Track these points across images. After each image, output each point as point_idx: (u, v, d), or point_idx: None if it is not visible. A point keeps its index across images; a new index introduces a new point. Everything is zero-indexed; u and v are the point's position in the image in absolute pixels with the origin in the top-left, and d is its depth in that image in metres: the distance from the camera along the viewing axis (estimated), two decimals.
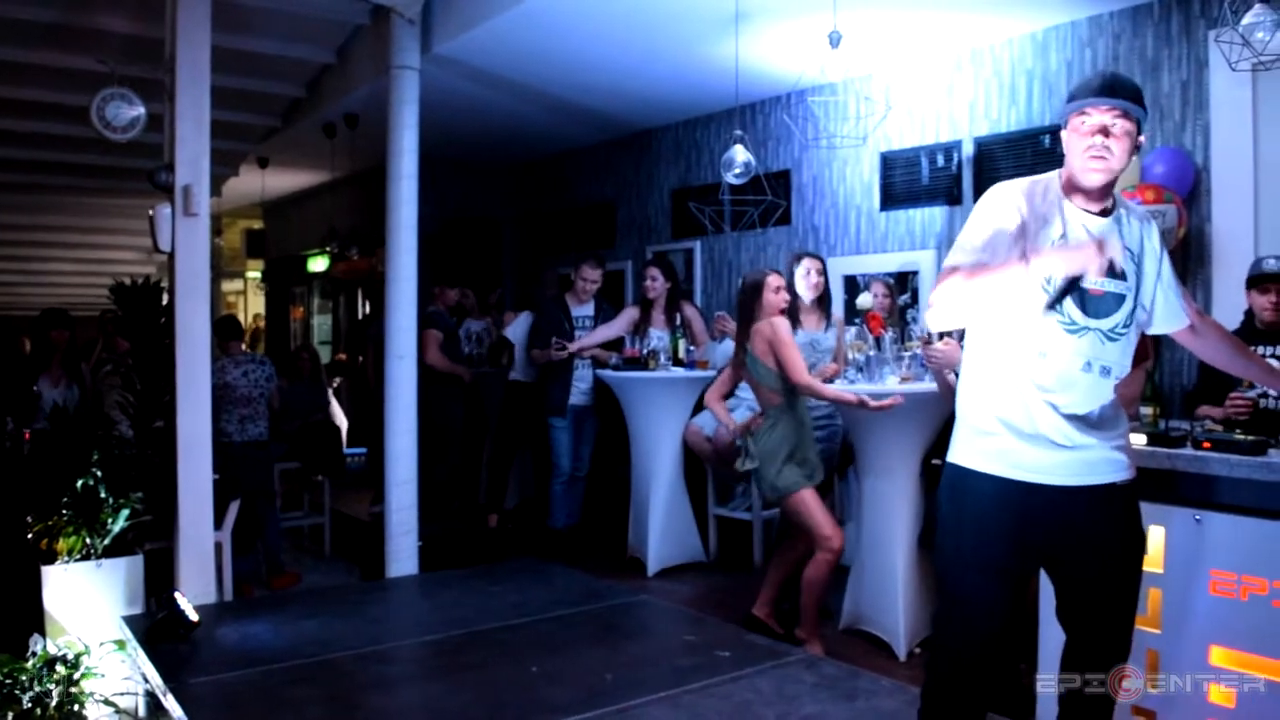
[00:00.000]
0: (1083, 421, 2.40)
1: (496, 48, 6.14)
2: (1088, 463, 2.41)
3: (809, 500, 4.44)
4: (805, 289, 5.21)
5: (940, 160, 6.20)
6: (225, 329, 6.28)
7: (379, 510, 5.80)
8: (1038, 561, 2.56)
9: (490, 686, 3.37)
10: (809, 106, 5.60)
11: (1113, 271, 2.34)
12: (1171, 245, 4.82)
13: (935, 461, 4.70)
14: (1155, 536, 3.11)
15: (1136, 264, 2.43)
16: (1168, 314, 2.51)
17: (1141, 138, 2.37)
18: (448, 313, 7.19)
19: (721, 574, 6.19)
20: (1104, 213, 2.42)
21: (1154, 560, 3.11)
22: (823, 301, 5.33)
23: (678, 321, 6.40)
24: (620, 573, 6.05)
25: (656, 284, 6.42)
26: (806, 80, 5.20)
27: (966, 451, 2.52)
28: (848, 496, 5.74)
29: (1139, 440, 3.17)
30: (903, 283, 6.33)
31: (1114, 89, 2.32)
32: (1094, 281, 2.33)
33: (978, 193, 5.96)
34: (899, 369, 4.64)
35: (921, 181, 6.31)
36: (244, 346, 6.42)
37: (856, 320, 5.26)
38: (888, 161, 6.54)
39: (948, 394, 4.15)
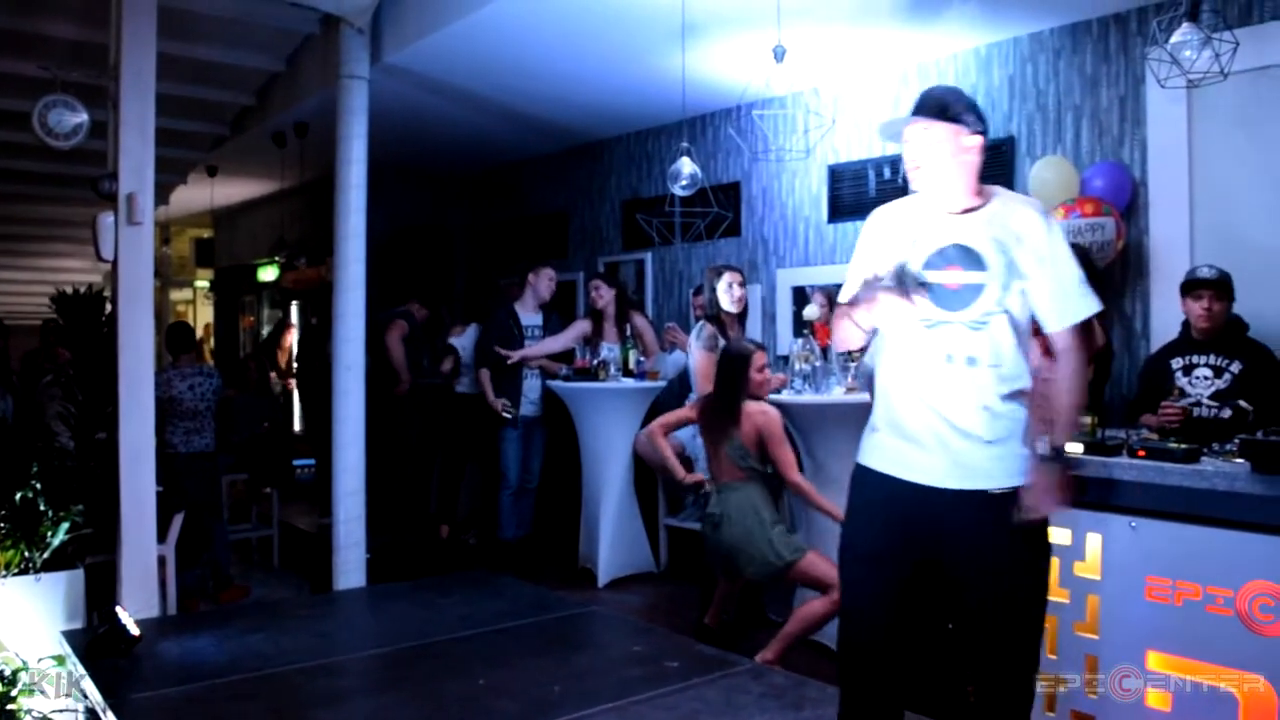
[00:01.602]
0: (957, 422, 2.41)
1: (447, 57, 6.13)
2: (960, 465, 2.41)
3: (816, 559, 4.25)
4: (728, 302, 5.29)
5: (887, 173, 6.28)
6: (177, 340, 6.17)
7: (327, 522, 5.75)
8: (918, 555, 2.51)
9: (437, 699, 3.36)
10: (755, 120, 5.65)
11: (974, 263, 2.41)
12: (1110, 257, 4.93)
13: None
14: (1093, 544, 3.18)
15: (1005, 254, 2.42)
16: (1043, 310, 2.45)
17: (969, 139, 2.44)
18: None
19: (672, 584, 6.21)
20: (967, 211, 2.47)
21: (1091, 567, 3.18)
22: (744, 316, 5.41)
23: (628, 332, 6.43)
24: (571, 583, 6.05)
25: (603, 295, 6.45)
26: (753, 93, 5.24)
27: (863, 449, 2.62)
28: (797, 504, 5.78)
29: (1075, 449, 3.23)
30: None
31: (917, 107, 2.49)
32: (920, 276, 2.44)
33: None
34: (844, 379, 4.69)
35: (869, 194, 6.39)
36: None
37: (805, 331, 5.31)
38: (836, 174, 6.61)
39: None
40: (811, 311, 5.65)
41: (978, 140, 2.46)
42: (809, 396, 4.69)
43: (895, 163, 6.22)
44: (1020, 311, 2.43)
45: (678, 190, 5.51)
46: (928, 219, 2.51)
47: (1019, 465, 2.41)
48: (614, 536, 6.22)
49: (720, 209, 6.68)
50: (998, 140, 5.72)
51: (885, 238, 2.56)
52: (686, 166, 5.38)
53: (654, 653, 3.87)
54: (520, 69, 6.39)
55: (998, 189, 2.54)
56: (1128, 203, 5.10)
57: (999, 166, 5.70)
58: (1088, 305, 2.45)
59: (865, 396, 4.55)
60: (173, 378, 5.89)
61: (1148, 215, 5.11)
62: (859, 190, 6.47)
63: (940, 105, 2.46)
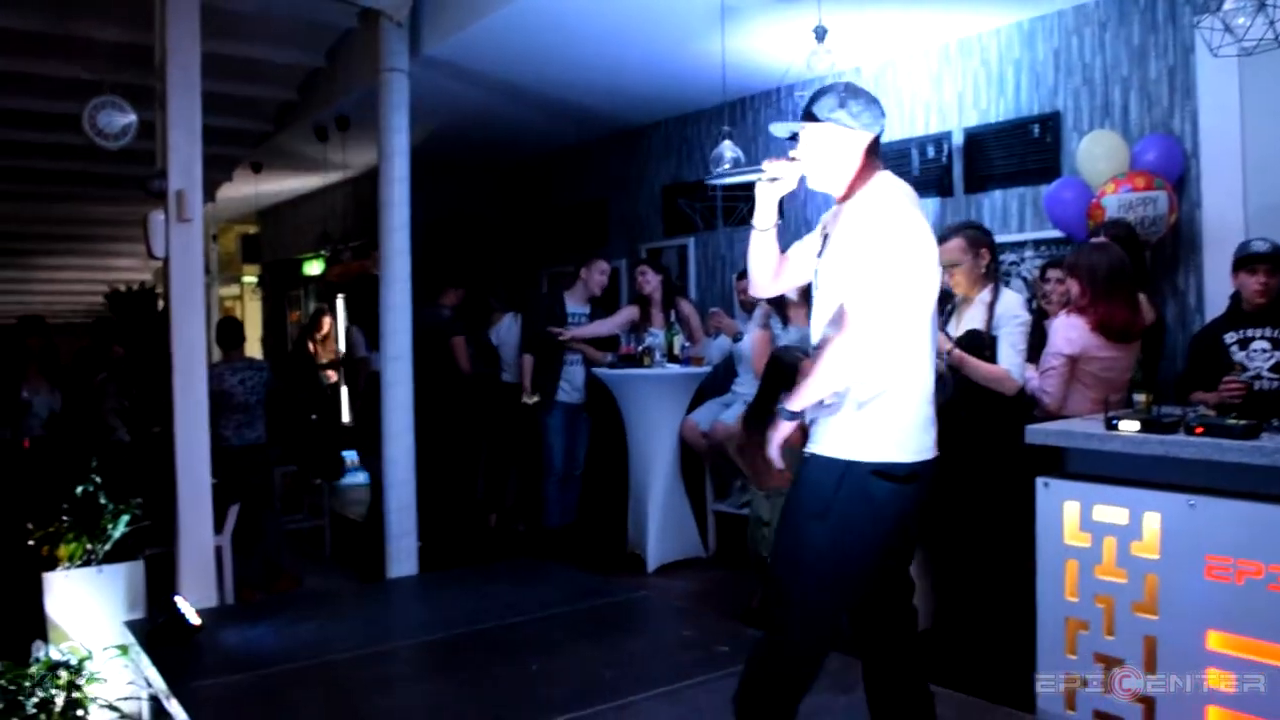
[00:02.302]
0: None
1: (485, 48, 6.14)
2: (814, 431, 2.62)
3: None
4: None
5: (930, 152, 6.21)
6: (227, 334, 6.27)
7: (363, 511, 5.79)
8: None
9: (489, 685, 3.39)
10: (796, 101, 5.61)
11: (821, 252, 2.65)
12: (1162, 232, 4.84)
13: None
14: (1151, 523, 3.13)
15: (832, 247, 2.60)
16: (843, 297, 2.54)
17: (837, 132, 2.56)
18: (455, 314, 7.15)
19: (721, 569, 6.20)
20: (840, 201, 2.66)
21: (1149, 546, 3.13)
22: (808, 295, 5.34)
23: (673, 318, 6.42)
24: (620, 570, 6.06)
25: (649, 280, 6.44)
26: (794, 75, 5.20)
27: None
28: None
29: (1131, 426, 3.18)
30: None
31: (802, 113, 2.63)
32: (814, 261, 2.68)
33: (968, 184, 6.01)
34: None
35: (912, 173, 6.32)
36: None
37: None
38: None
39: (941, 381, 4.16)
40: None
41: (849, 133, 2.57)
42: None
43: (939, 141, 6.16)
44: (834, 297, 2.57)
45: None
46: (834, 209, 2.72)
47: (835, 433, 2.54)
48: (662, 522, 6.22)
49: None
50: (1044, 115, 5.63)
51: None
52: (728, 151, 5.36)
53: (704, 637, 3.89)
54: (558, 58, 6.39)
55: (880, 184, 2.60)
56: (1179, 176, 5.00)
57: (1045, 142, 5.61)
58: (862, 295, 2.46)
59: None
60: (224, 372, 5.98)
61: (1199, 188, 5.01)
62: (902, 170, 6.38)
63: (813, 104, 2.60)
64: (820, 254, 2.66)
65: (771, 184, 2.67)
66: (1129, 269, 3.94)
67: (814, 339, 2.64)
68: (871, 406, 2.50)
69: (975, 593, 3.91)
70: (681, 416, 6.27)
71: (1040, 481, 3.36)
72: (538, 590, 4.62)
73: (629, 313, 6.51)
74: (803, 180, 2.68)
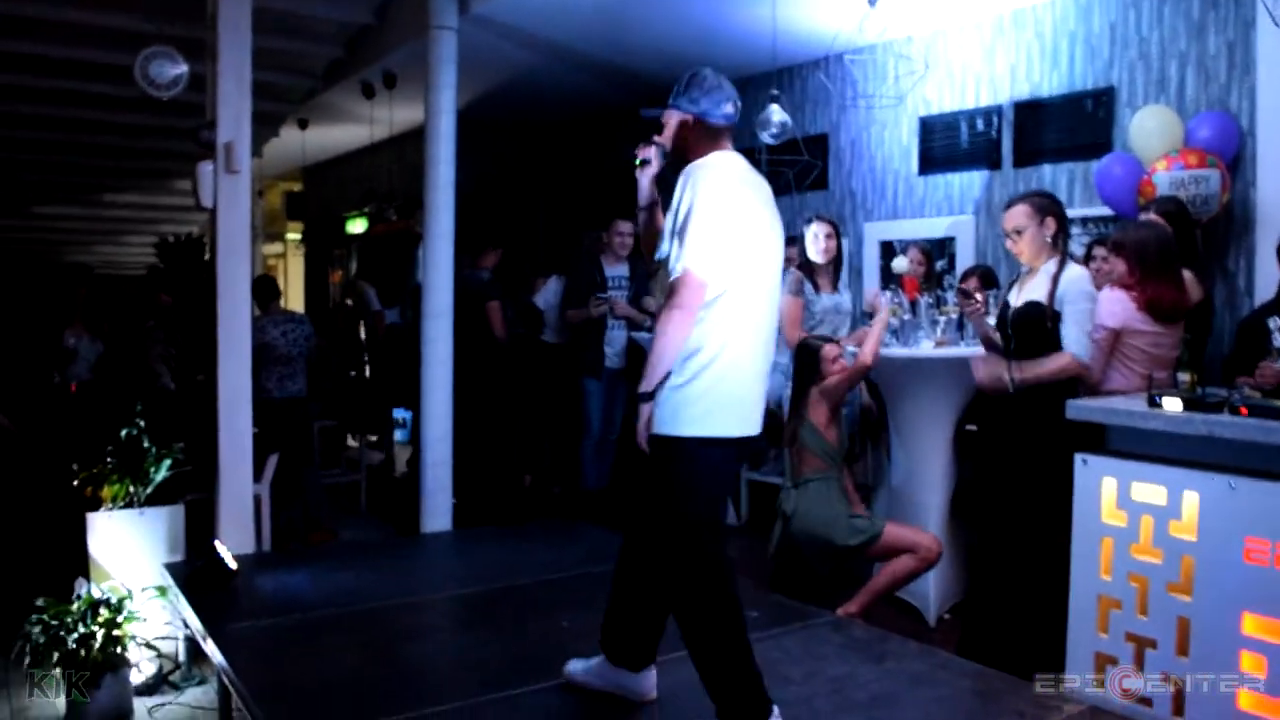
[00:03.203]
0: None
1: (534, 7, 6.12)
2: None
3: (894, 529, 4.24)
4: (816, 253, 5.20)
5: (980, 124, 6.12)
6: (263, 290, 6.34)
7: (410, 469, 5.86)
8: None
9: (521, 639, 3.42)
10: (847, 67, 5.54)
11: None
12: (1214, 211, 4.75)
13: (969, 427, 4.69)
14: (1189, 503, 3.09)
15: (671, 217, 2.71)
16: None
17: (679, 116, 2.82)
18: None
19: (752, 537, 6.20)
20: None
21: (1187, 527, 3.09)
22: (836, 265, 5.33)
23: None
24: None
25: None
26: (843, 41, 5.13)
27: None
28: (877, 464, 5.73)
29: (1174, 405, 3.14)
30: (940, 248, 6.27)
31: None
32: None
33: (1017, 158, 5.93)
34: (934, 333, 4.61)
35: (961, 146, 6.24)
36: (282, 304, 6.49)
37: (892, 285, 5.23)
38: (927, 125, 6.46)
39: (994, 350, 4.12)
40: (900, 264, 5.55)
41: (686, 117, 2.81)
42: (897, 350, 4.63)
43: (989, 114, 6.07)
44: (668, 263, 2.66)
45: (767, 138, 5.44)
46: None
47: (672, 408, 2.61)
48: None
49: (810, 158, 6.58)
50: (1096, 90, 5.54)
51: None
52: (776, 115, 5.31)
53: None
54: (607, 19, 6.35)
55: (708, 158, 2.77)
56: (1234, 154, 4.90)
57: (1097, 117, 5.52)
58: (675, 267, 2.59)
59: (958, 350, 4.49)
60: (266, 324, 6.04)
61: (1255, 168, 4.91)
62: (951, 142, 6.32)
63: (673, 92, 2.84)
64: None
65: (642, 166, 2.86)
66: (1175, 247, 3.87)
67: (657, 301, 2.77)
68: (697, 382, 2.58)
69: (1009, 568, 3.88)
70: None
71: (1079, 458, 3.32)
72: (571, 549, 4.64)
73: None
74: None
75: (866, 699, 2.92)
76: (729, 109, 2.81)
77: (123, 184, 10.98)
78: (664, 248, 2.73)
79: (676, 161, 2.84)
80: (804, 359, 4.48)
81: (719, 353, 2.58)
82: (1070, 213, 5.52)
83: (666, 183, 2.93)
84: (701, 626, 2.63)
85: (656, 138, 2.86)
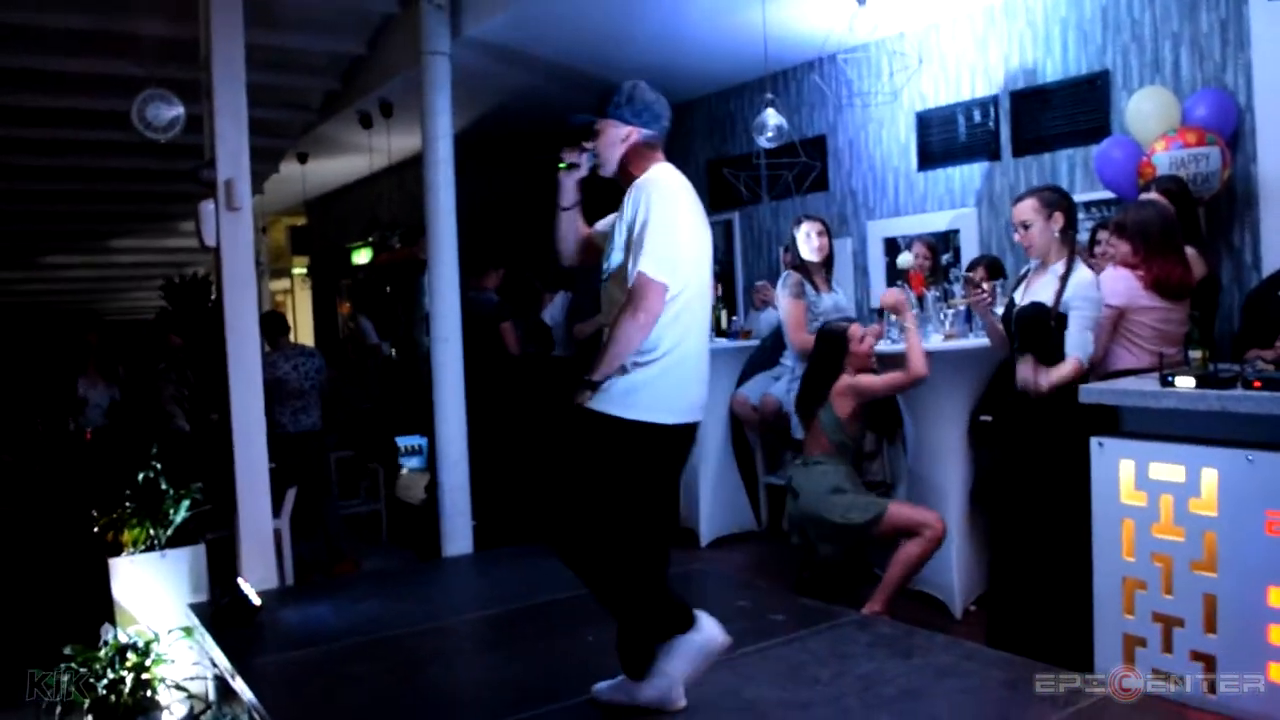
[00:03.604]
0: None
1: (525, 28, 6.15)
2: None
3: (898, 509, 4.25)
4: (810, 251, 5.20)
5: (977, 116, 6.12)
6: (272, 325, 6.37)
7: (424, 496, 5.87)
8: None
9: (546, 657, 3.42)
10: (840, 67, 5.55)
11: (610, 234, 2.92)
12: (1216, 188, 4.73)
13: (984, 418, 4.67)
14: (1209, 479, 3.07)
15: (621, 222, 2.85)
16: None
17: (622, 130, 2.94)
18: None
19: (775, 541, 6.19)
20: (625, 188, 2.93)
21: (1207, 503, 3.07)
22: (828, 263, 5.33)
23: (719, 293, 6.42)
24: (674, 544, 6.05)
25: None
26: (835, 42, 5.14)
27: None
28: (894, 460, 5.72)
29: (1187, 383, 3.13)
30: (945, 242, 6.26)
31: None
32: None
33: (1016, 148, 5.93)
34: (942, 327, 4.61)
35: (959, 139, 6.24)
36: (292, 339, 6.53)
37: (899, 281, 5.23)
38: (924, 121, 6.46)
39: (999, 340, 4.11)
40: (905, 260, 5.55)
41: (628, 131, 2.92)
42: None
43: (986, 105, 6.07)
44: (621, 270, 2.81)
45: (763, 142, 5.44)
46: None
47: (615, 395, 2.75)
48: (714, 496, 6.23)
49: (807, 160, 6.59)
50: (1091, 75, 5.53)
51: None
52: (772, 118, 5.32)
53: (759, 607, 3.89)
54: (598, 35, 6.38)
55: (656, 170, 2.91)
56: (1233, 131, 4.89)
57: (1094, 102, 5.51)
58: (634, 274, 2.72)
59: (967, 342, 4.48)
60: (277, 359, 6.08)
61: (1254, 143, 4.89)
62: (949, 136, 6.31)
63: (598, 105, 2.96)
64: (610, 235, 2.93)
65: (568, 169, 3.02)
66: (1178, 225, 3.86)
67: (604, 311, 2.91)
68: (648, 370, 2.76)
69: (1031, 556, 3.86)
70: (731, 390, 6.26)
71: (1095, 441, 3.31)
72: None
73: None
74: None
75: (895, 694, 2.91)
76: (665, 123, 2.98)
77: (128, 229, 11.05)
78: (616, 257, 2.86)
79: (609, 171, 2.98)
80: (828, 344, 4.45)
81: (672, 348, 2.79)
82: (1073, 198, 5.54)
83: (593, 189, 3.08)
84: (614, 578, 2.83)
85: (587, 144, 2.98)
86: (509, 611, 4.01)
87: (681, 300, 2.79)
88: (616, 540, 2.80)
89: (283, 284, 16.53)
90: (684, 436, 2.90)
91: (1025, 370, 3.79)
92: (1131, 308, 3.75)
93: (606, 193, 3.08)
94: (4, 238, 10.59)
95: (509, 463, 7.08)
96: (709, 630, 2.90)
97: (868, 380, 4.34)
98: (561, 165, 3.03)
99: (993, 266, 5.23)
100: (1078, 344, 3.68)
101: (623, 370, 2.75)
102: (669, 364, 2.79)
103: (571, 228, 3.14)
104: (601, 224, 3.12)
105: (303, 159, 10.19)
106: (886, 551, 4.37)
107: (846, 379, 4.35)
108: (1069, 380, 3.67)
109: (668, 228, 2.77)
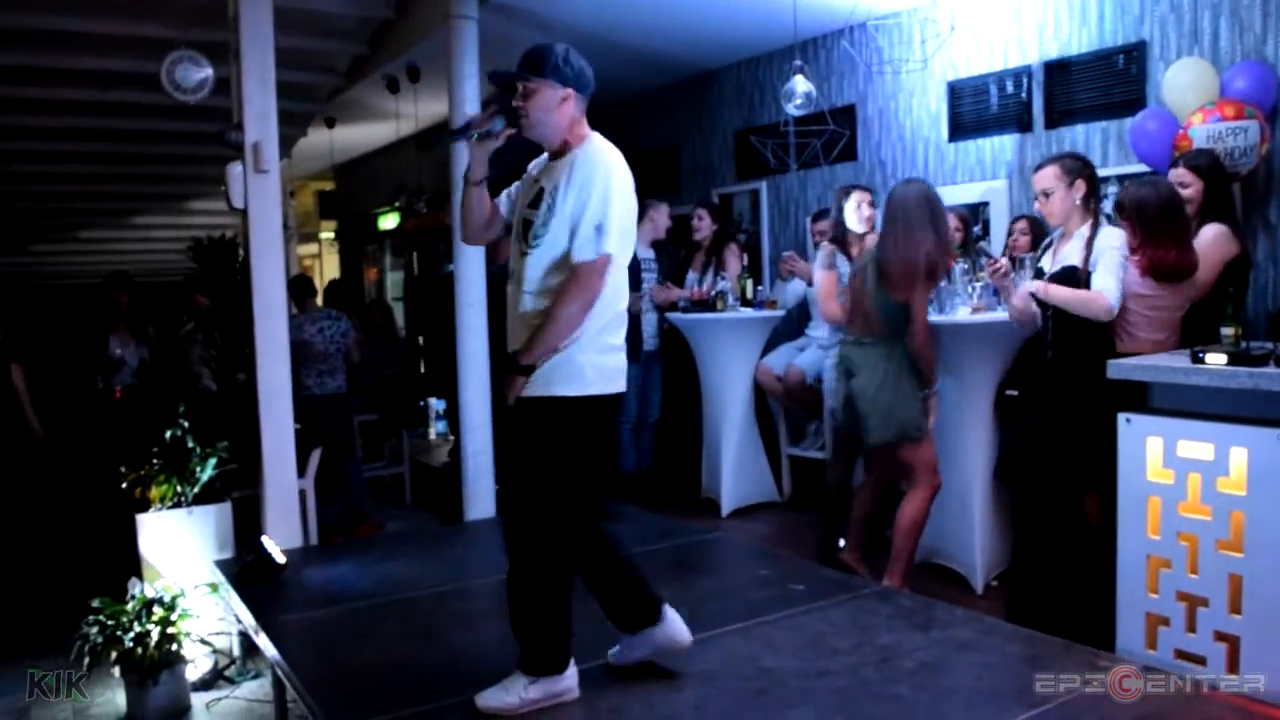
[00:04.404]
0: (509, 337, 2.77)
1: None
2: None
3: (930, 444, 4.36)
4: (856, 222, 5.14)
5: (1009, 86, 6.03)
6: (299, 288, 6.43)
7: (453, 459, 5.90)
8: None
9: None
10: (871, 35, 5.48)
11: (536, 204, 2.76)
12: (1254, 163, 4.65)
13: (1010, 392, 4.65)
14: (1238, 458, 3.04)
15: (551, 200, 2.70)
16: (564, 248, 2.67)
17: (560, 91, 2.73)
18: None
19: (796, 512, 6.21)
20: (554, 156, 2.82)
21: (1236, 483, 3.05)
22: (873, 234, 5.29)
23: (744, 262, 6.43)
24: (695, 514, 6.10)
25: (703, 224, 6.49)
26: (864, 11, 5.07)
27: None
28: None
29: (1218, 360, 3.10)
30: (975, 214, 6.20)
31: (519, 67, 2.76)
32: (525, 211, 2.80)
33: (1049, 119, 5.84)
34: (970, 300, 4.57)
35: (991, 109, 6.16)
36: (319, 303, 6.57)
37: None
38: (955, 90, 6.38)
39: (1024, 318, 4.07)
40: None
41: (566, 92, 2.73)
42: (933, 318, 4.59)
43: (1019, 75, 5.98)
44: (553, 246, 2.68)
45: (792, 109, 5.39)
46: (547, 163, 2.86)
47: (558, 376, 2.68)
48: (736, 467, 6.24)
49: (836, 127, 6.53)
50: (1128, 45, 5.44)
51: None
52: (800, 85, 5.27)
53: (779, 576, 3.89)
54: (627, 2, 6.33)
55: (593, 140, 2.79)
56: (1273, 104, 4.79)
57: (1130, 73, 5.42)
58: (588, 251, 2.63)
59: (994, 315, 4.44)
60: (303, 322, 6.11)
61: None
62: (981, 106, 6.23)
63: (525, 62, 2.75)
64: (536, 204, 2.76)
65: (482, 140, 2.79)
66: (1179, 205, 3.79)
67: (528, 285, 2.72)
68: (582, 346, 2.68)
69: (1055, 530, 3.84)
70: (755, 360, 6.26)
71: (1122, 417, 3.29)
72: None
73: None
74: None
75: (914, 667, 2.91)
76: (591, 90, 2.84)
77: (159, 192, 11.12)
78: (551, 230, 2.70)
79: (536, 134, 2.81)
80: (930, 208, 4.29)
81: (611, 319, 2.74)
82: (1106, 172, 5.46)
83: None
84: (542, 580, 2.74)
85: (500, 108, 2.79)
86: None
87: (616, 270, 2.71)
88: (586, 523, 2.80)
89: (311, 248, 16.61)
90: (616, 407, 2.88)
91: (1022, 298, 3.80)
92: (1126, 294, 3.70)
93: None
94: (40, 198, 10.69)
95: None
96: (673, 627, 2.89)
97: (922, 292, 4.27)
98: (473, 136, 2.79)
99: (1035, 224, 5.16)
100: (1103, 280, 3.64)
101: (559, 349, 2.67)
102: (609, 336, 2.74)
103: (481, 205, 2.93)
104: (510, 193, 2.99)
105: (331, 123, 10.19)
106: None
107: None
108: (1082, 306, 3.64)
109: (624, 206, 2.69)
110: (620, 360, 2.79)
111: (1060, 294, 3.73)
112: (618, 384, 2.78)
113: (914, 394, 4.32)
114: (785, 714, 2.65)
